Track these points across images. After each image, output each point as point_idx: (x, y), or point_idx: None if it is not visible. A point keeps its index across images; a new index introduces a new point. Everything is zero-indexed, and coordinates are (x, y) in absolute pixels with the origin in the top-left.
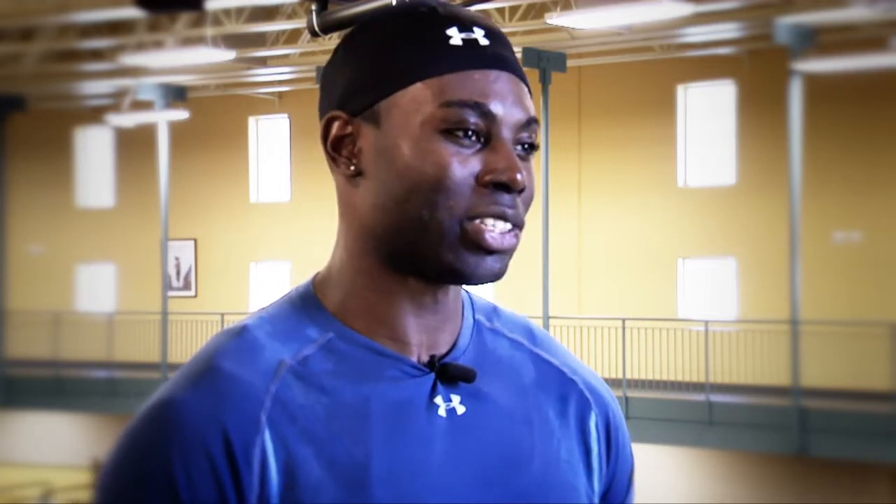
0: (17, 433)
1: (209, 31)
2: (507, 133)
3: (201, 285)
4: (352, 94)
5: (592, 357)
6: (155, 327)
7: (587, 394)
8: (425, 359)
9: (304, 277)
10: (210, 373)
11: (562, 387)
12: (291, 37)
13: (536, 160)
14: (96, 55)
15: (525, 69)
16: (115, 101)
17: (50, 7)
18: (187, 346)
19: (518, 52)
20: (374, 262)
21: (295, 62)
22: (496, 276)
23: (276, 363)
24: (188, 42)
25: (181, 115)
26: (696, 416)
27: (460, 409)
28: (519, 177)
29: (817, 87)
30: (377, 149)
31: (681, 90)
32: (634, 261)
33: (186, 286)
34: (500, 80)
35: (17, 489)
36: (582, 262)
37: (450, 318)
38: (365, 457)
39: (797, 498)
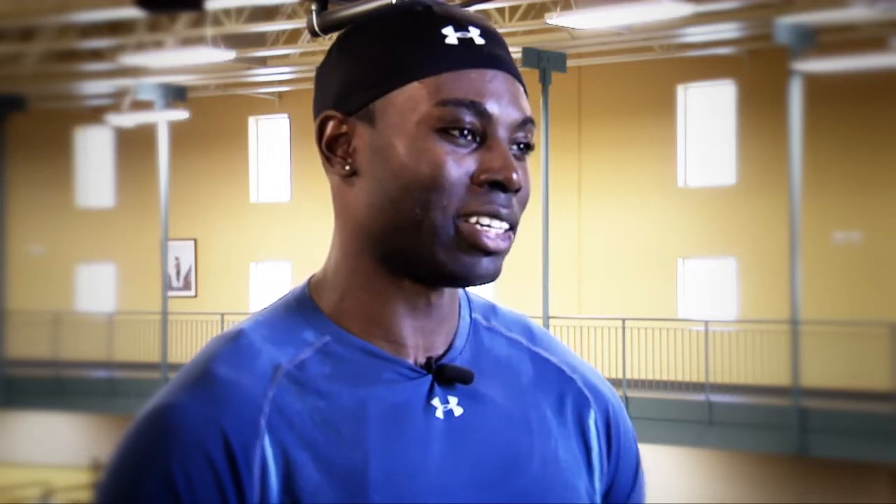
0: (17, 433)
1: (209, 31)
2: (502, 133)
3: (201, 285)
4: (347, 93)
5: (592, 357)
6: (155, 327)
7: (586, 392)
8: (422, 360)
9: (304, 277)
10: (207, 378)
11: (560, 385)
12: (291, 37)
13: (536, 160)
14: (96, 55)
15: (525, 69)
16: (115, 101)
17: (50, 7)
18: (187, 347)
19: (518, 52)
20: (370, 262)
21: (295, 62)
22: (491, 278)
23: (273, 368)
24: (188, 42)
25: (181, 115)
26: (696, 416)
27: (458, 411)
28: (514, 176)
29: (817, 87)
30: (372, 148)
31: (681, 90)
32: (634, 261)
33: (186, 286)
34: (496, 80)
35: (17, 489)
36: (582, 262)
37: (446, 319)
38: (363, 460)
39: (797, 498)
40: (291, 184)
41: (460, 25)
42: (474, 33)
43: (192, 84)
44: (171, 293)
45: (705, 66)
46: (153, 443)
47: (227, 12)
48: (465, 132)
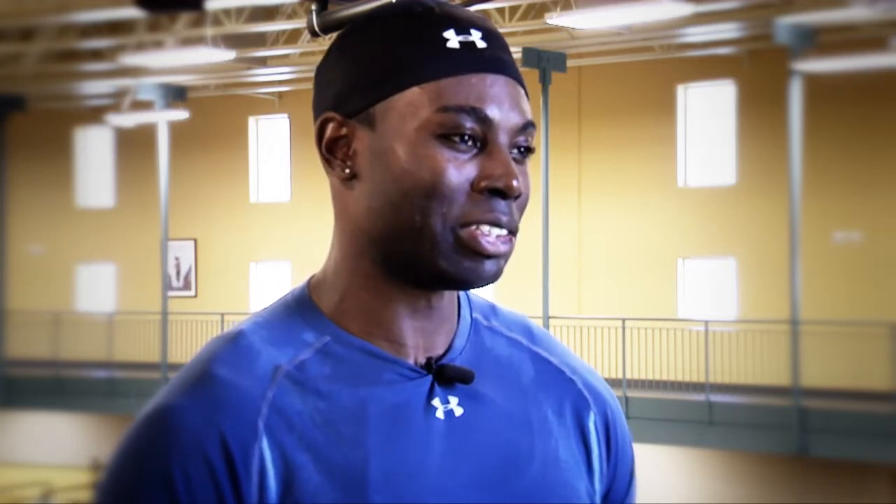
0: (17, 433)
1: (209, 31)
2: (503, 138)
3: (201, 285)
4: (347, 95)
5: (592, 357)
6: (155, 327)
7: (586, 393)
8: (422, 361)
9: (304, 277)
10: (206, 380)
11: (560, 386)
12: (291, 37)
13: (536, 161)
14: (96, 55)
15: (525, 69)
16: (115, 101)
17: (50, 7)
18: (187, 347)
19: (518, 52)
20: (369, 264)
21: (295, 62)
22: (491, 280)
23: (273, 369)
24: (188, 42)
25: (181, 115)
26: (696, 416)
27: (458, 411)
28: (515, 183)
29: (817, 87)
30: (372, 152)
31: (681, 90)
32: (634, 261)
33: (186, 286)
34: (497, 84)
35: (17, 489)
36: (582, 262)
37: (446, 319)
38: (363, 461)
39: (797, 498)
40: (291, 184)
41: (462, 28)
42: (476, 36)
43: (192, 84)
44: (171, 293)
45: (705, 66)
46: (153, 443)
47: (227, 12)
48: (466, 138)
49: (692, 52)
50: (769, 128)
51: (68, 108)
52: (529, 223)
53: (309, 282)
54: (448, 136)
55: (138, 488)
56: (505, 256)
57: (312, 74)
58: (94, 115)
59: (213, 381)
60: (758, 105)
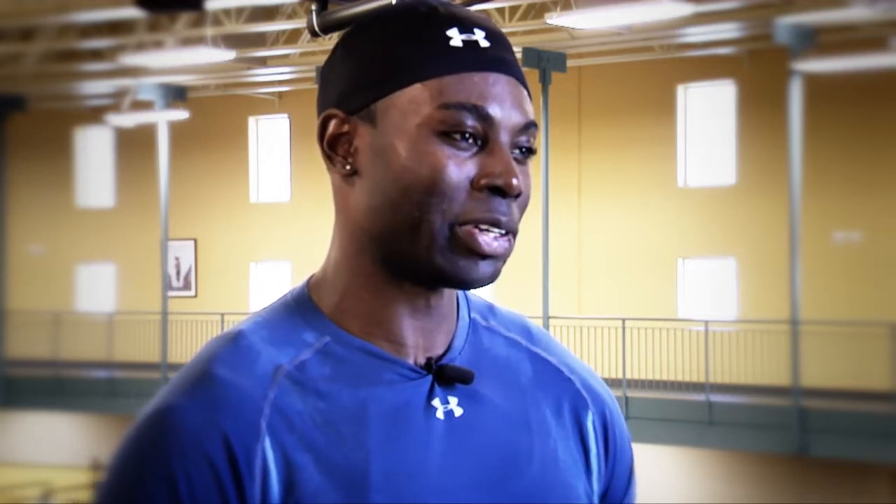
0: (17, 433)
1: (209, 31)
2: (504, 137)
3: (201, 285)
4: (349, 92)
5: (592, 357)
6: (155, 327)
7: (584, 393)
8: (421, 361)
9: (304, 277)
10: (206, 380)
11: (559, 386)
12: (291, 37)
13: (536, 160)
14: (96, 55)
15: (525, 69)
16: (115, 101)
17: (50, 7)
18: (187, 347)
19: (518, 52)
20: (369, 263)
21: (295, 62)
22: (489, 281)
23: (273, 369)
24: (188, 42)
25: (181, 115)
26: (696, 416)
27: (458, 411)
28: (515, 182)
29: (817, 87)
30: (373, 148)
31: (681, 90)
32: (634, 261)
33: (186, 286)
34: (499, 83)
35: (17, 489)
36: (582, 262)
37: (445, 319)
38: (363, 461)
39: (797, 498)
40: (291, 184)
41: (465, 27)
42: (479, 35)
43: (192, 84)
44: (171, 293)
45: (705, 66)
46: (154, 444)
47: (227, 12)
48: (467, 136)
49: (692, 52)
50: (769, 128)
51: (68, 108)
52: (529, 223)
53: (308, 281)
54: (449, 133)
55: (140, 489)
56: (503, 257)
57: (312, 74)
58: (94, 115)
59: (214, 382)
60: (758, 105)
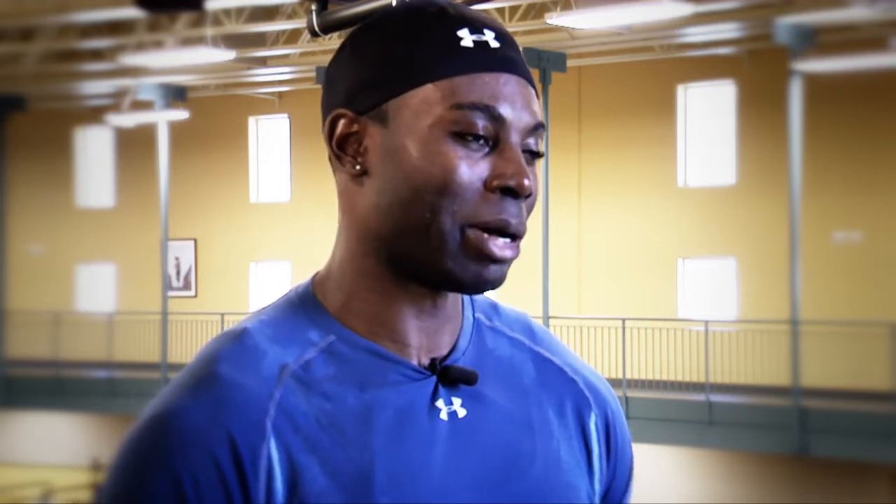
0: (17, 433)
1: (209, 31)
2: (515, 137)
3: (201, 285)
4: (359, 91)
5: (592, 357)
6: (155, 327)
7: (587, 393)
8: (426, 361)
9: (303, 278)
10: (211, 379)
11: (562, 386)
12: (291, 37)
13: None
14: (96, 55)
15: None
16: (115, 101)
17: (50, 7)
18: (187, 347)
19: None
20: (376, 263)
21: (295, 62)
22: (496, 285)
23: (279, 368)
24: (188, 42)
25: (181, 115)
26: (696, 416)
27: (462, 412)
28: (527, 182)
29: (817, 87)
30: (384, 148)
31: (681, 90)
32: (634, 261)
33: (186, 286)
34: (509, 84)
35: (17, 489)
36: (582, 262)
37: (450, 320)
38: (368, 462)
39: (797, 498)
40: (291, 184)
41: (475, 28)
42: (489, 36)
43: (192, 84)
44: (171, 293)
45: (705, 66)
46: (157, 445)
47: (227, 12)
48: (479, 136)
49: (692, 52)
50: (769, 128)
51: (68, 108)
52: (530, 223)
53: (313, 279)
54: (461, 134)
55: (144, 490)
56: (510, 261)
57: (313, 74)
58: (94, 115)
59: (219, 382)
60: (758, 105)
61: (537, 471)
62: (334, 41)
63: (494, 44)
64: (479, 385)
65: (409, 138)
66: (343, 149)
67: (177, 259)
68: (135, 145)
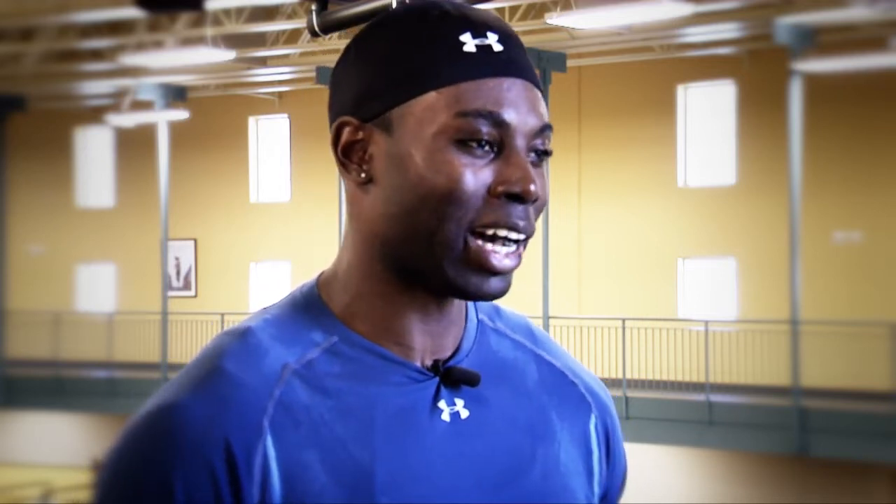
0: (17, 433)
1: (209, 31)
2: (520, 142)
3: (201, 285)
4: (363, 99)
5: (592, 357)
6: (155, 327)
7: (588, 397)
8: (429, 363)
9: (303, 278)
10: (215, 375)
11: (563, 389)
12: (291, 37)
13: None
14: (96, 55)
15: None
16: (115, 101)
17: (50, 7)
18: (187, 347)
19: None
20: (382, 268)
21: (295, 62)
22: (499, 295)
23: (281, 367)
24: (188, 42)
25: (181, 115)
26: (696, 416)
27: (464, 414)
28: (532, 188)
29: (817, 87)
30: (389, 156)
31: (681, 90)
32: (634, 261)
33: (186, 286)
34: (514, 88)
35: (17, 489)
36: (582, 262)
37: (453, 322)
38: (369, 462)
39: (797, 498)
40: (291, 184)
41: (478, 31)
42: (492, 39)
43: (192, 84)
44: (171, 293)
45: (705, 66)
46: (155, 444)
47: (227, 12)
48: (483, 143)
49: (692, 52)
50: (769, 128)
51: (68, 108)
52: None
53: (318, 279)
54: (465, 141)
55: (136, 489)
56: (512, 272)
57: (313, 74)
58: (94, 115)
59: (221, 377)
60: (758, 105)
61: (536, 473)
62: (334, 41)
63: (498, 47)
64: (482, 387)
65: (414, 147)
66: (348, 156)
67: (177, 259)
68: (135, 145)
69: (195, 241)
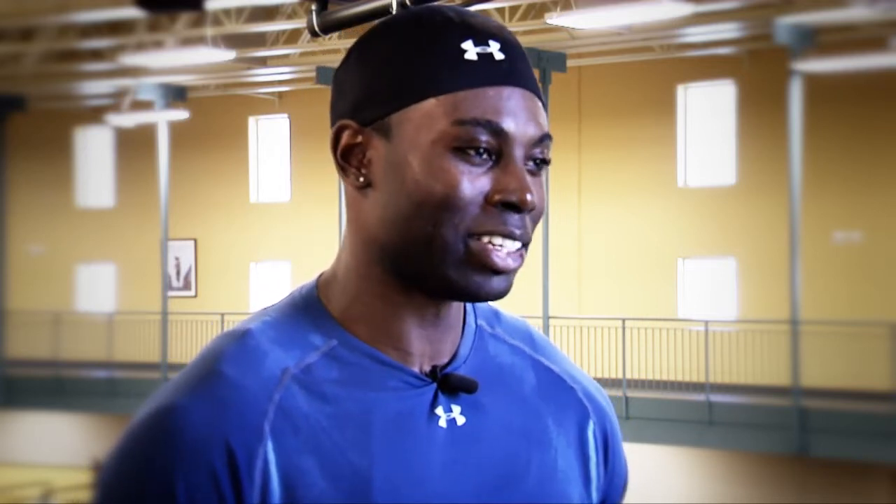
0: (17, 433)
1: (209, 31)
2: (518, 151)
3: (201, 285)
4: (363, 104)
5: (592, 357)
6: (155, 327)
7: (586, 402)
8: (427, 369)
9: (303, 278)
10: (213, 378)
11: (561, 395)
12: (291, 37)
13: None
14: (96, 55)
15: None
16: (115, 101)
17: (50, 7)
18: (187, 347)
19: None
20: (381, 272)
21: (295, 62)
22: (501, 296)
23: (280, 371)
24: (188, 42)
25: (181, 115)
26: (696, 416)
27: (461, 420)
28: (529, 197)
29: (817, 87)
30: (387, 162)
31: (681, 90)
32: (634, 261)
33: (186, 286)
34: (513, 97)
35: (17, 489)
36: (582, 262)
37: (452, 328)
38: (367, 468)
39: (797, 498)
40: (291, 184)
41: (480, 39)
42: (494, 48)
43: (192, 84)
44: (171, 293)
45: (705, 66)
46: (157, 446)
47: (227, 12)
48: (481, 151)
49: (692, 52)
50: (769, 128)
51: (68, 108)
52: None
53: (318, 281)
54: (463, 149)
55: (138, 492)
56: (514, 271)
57: (313, 74)
58: (94, 115)
59: (220, 381)
60: (758, 105)
61: (533, 480)
62: (334, 41)
63: (499, 56)
64: (479, 393)
65: (412, 153)
66: (347, 160)
67: (177, 259)
68: (135, 145)
69: (195, 241)
